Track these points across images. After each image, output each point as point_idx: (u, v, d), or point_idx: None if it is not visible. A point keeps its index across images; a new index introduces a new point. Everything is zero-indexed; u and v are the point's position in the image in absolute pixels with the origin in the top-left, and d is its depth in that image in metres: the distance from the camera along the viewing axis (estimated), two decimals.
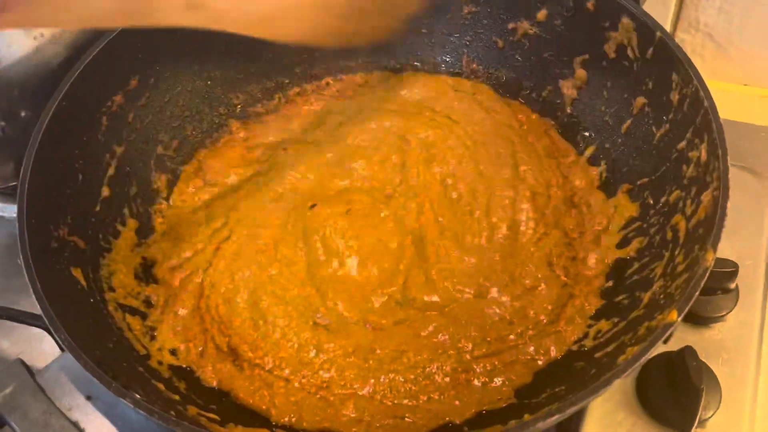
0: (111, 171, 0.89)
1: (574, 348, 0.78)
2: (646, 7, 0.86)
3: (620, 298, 0.79)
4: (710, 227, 0.67)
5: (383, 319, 0.83)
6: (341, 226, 0.90)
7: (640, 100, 0.87)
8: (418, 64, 1.07)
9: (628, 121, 0.89)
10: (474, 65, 1.05)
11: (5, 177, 0.99)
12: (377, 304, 0.84)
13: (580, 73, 0.94)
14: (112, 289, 0.82)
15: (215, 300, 0.85)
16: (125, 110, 0.92)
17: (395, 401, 0.77)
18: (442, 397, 0.77)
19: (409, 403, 0.77)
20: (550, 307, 0.82)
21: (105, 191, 0.88)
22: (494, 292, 0.84)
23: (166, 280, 0.87)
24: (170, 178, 0.97)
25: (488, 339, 0.81)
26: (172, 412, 0.65)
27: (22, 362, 0.70)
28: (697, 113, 0.76)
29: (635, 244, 0.82)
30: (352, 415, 0.76)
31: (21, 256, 0.70)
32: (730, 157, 0.70)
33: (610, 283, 0.82)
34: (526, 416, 0.68)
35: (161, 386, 0.73)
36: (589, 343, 0.78)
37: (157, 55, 0.94)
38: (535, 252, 0.87)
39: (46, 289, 0.69)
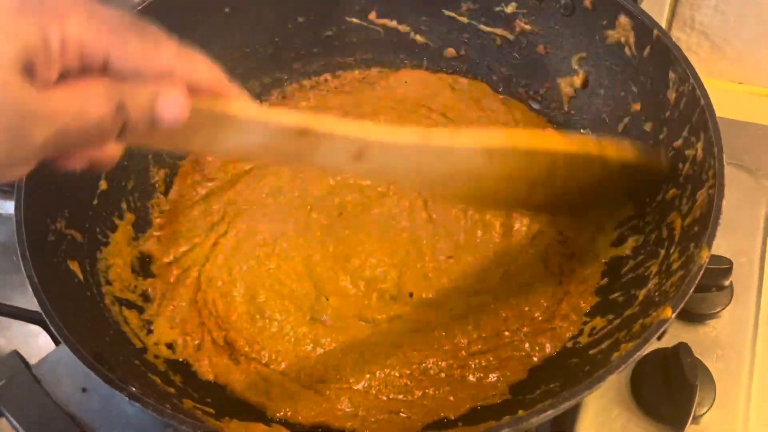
0: None
1: (569, 345, 0.79)
2: (643, 6, 0.87)
3: (615, 295, 0.79)
4: (705, 225, 0.68)
5: (379, 315, 0.83)
6: (336, 223, 0.90)
7: (637, 98, 0.87)
8: (416, 61, 1.07)
9: (625, 120, 0.89)
10: (472, 63, 1.05)
11: None
12: (372, 300, 0.84)
13: (578, 71, 0.95)
14: (109, 283, 0.82)
15: (212, 294, 0.85)
16: None
17: (390, 396, 0.78)
18: (436, 392, 0.77)
19: (404, 398, 0.77)
20: (545, 305, 0.83)
21: (103, 185, 0.87)
22: (489, 288, 0.85)
23: (163, 274, 0.87)
24: (168, 173, 0.97)
25: (483, 335, 0.81)
26: (168, 405, 0.65)
27: (18, 354, 0.71)
28: (693, 111, 0.76)
29: (631, 242, 0.82)
30: (348, 410, 0.77)
31: (18, 249, 0.70)
32: (725, 155, 0.71)
33: (606, 281, 0.82)
34: (520, 412, 0.68)
35: (157, 379, 0.74)
36: (583, 339, 0.78)
37: None
38: (530, 250, 0.87)
39: (43, 281, 0.69)
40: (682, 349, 0.74)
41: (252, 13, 1.01)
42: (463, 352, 0.80)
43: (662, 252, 0.75)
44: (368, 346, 0.81)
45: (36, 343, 0.93)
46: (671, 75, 0.80)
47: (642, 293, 0.74)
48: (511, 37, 1.00)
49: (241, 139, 0.56)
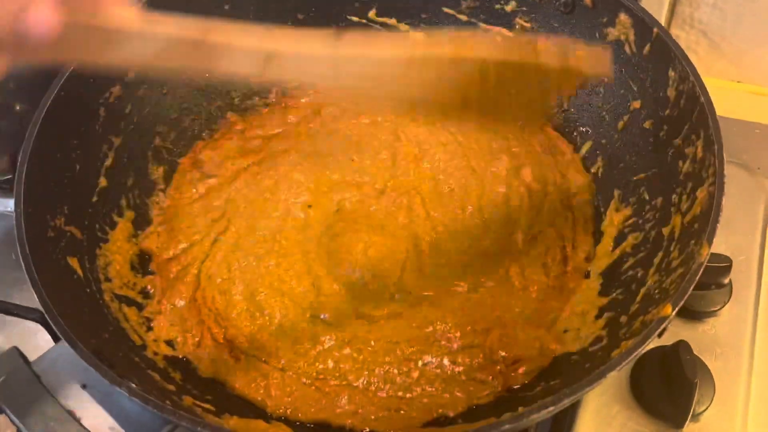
0: (108, 162, 0.89)
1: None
2: (642, 4, 0.87)
3: (615, 293, 0.79)
4: (705, 223, 0.68)
5: (376, 311, 0.83)
6: (334, 220, 0.91)
7: (637, 96, 0.87)
8: None
9: (625, 118, 0.89)
10: None
11: (0, 170, 1.00)
12: (370, 297, 0.84)
13: None
14: (108, 280, 0.82)
15: (211, 291, 0.85)
16: (123, 101, 0.92)
17: (389, 393, 0.78)
18: (434, 389, 0.77)
19: (403, 396, 0.77)
20: (544, 304, 0.83)
21: (102, 182, 0.88)
22: (488, 286, 0.85)
23: (163, 271, 0.87)
24: (167, 170, 0.97)
25: (480, 333, 0.81)
26: (168, 402, 0.65)
27: (18, 350, 0.70)
28: (693, 109, 0.77)
29: (630, 240, 0.82)
30: (347, 407, 0.77)
31: (18, 245, 0.70)
32: (724, 154, 0.71)
33: (606, 279, 0.82)
34: (521, 409, 0.68)
35: (157, 376, 0.74)
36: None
37: None
38: (529, 250, 0.87)
39: (42, 278, 0.69)
40: (681, 346, 0.75)
41: (251, 10, 1.01)
42: (461, 349, 0.80)
43: (662, 249, 0.75)
44: (367, 343, 0.81)
45: (34, 340, 0.93)
46: (671, 73, 0.80)
47: (642, 291, 0.74)
48: (510, 35, 1.00)
49: (132, 50, 0.54)
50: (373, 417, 0.76)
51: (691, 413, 0.74)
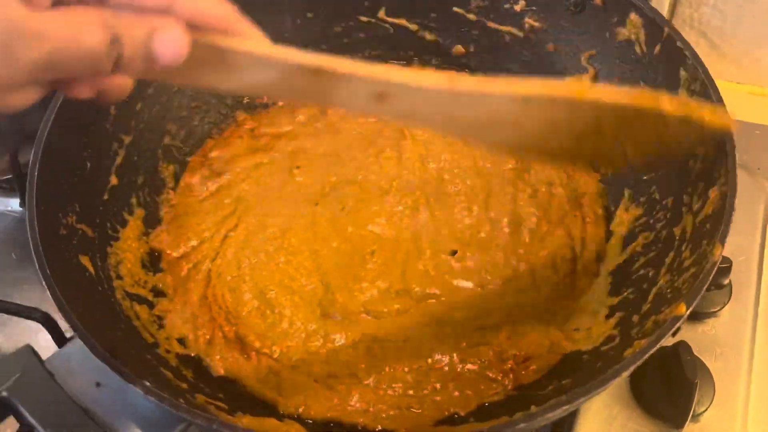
0: (119, 160, 0.89)
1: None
2: None
3: (626, 292, 0.79)
4: (718, 222, 0.68)
5: (385, 309, 0.83)
6: (341, 219, 0.91)
7: None
8: (425, 58, 1.07)
9: None
10: (480, 60, 1.05)
11: (1, 170, 1.00)
12: (378, 295, 0.85)
13: (588, 68, 0.95)
14: (119, 278, 0.82)
15: (222, 289, 0.85)
16: (133, 99, 0.92)
17: (400, 392, 0.78)
18: (444, 387, 0.78)
19: (414, 394, 0.77)
20: (554, 302, 0.83)
21: (113, 180, 0.88)
22: (496, 285, 0.85)
23: (174, 269, 0.87)
24: (177, 168, 0.97)
25: (491, 329, 0.81)
26: (181, 400, 0.65)
27: (31, 348, 0.70)
28: None
29: (641, 239, 0.82)
30: (358, 405, 0.77)
31: (31, 243, 0.70)
32: None
33: (617, 278, 0.82)
34: (533, 407, 0.68)
35: (169, 374, 0.74)
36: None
37: None
38: (538, 251, 0.87)
39: (56, 276, 0.69)
40: (681, 347, 0.75)
41: (261, 9, 1.00)
42: (469, 348, 0.80)
43: (673, 249, 0.75)
44: (377, 341, 0.81)
45: (35, 340, 0.92)
46: (682, 73, 0.80)
47: (653, 290, 0.74)
48: (520, 34, 1.00)
49: (253, 76, 0.54)
50: (384, 415, 0.76)
51: (691, 414, 0.74)
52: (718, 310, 0.85)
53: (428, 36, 1.06)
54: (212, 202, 0.94)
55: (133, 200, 0.90)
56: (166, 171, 0.95)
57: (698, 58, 0.79)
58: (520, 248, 0.87)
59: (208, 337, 0.82)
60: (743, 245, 0.89)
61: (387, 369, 0.79)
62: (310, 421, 0.76)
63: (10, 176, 1.05)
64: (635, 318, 0.73)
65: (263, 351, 0.80)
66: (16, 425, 0.69)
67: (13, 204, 1.09)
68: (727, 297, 0.85)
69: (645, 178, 0.86)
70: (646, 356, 0.61)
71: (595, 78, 0.94)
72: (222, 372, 0.80)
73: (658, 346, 0.61)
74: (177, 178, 0.96)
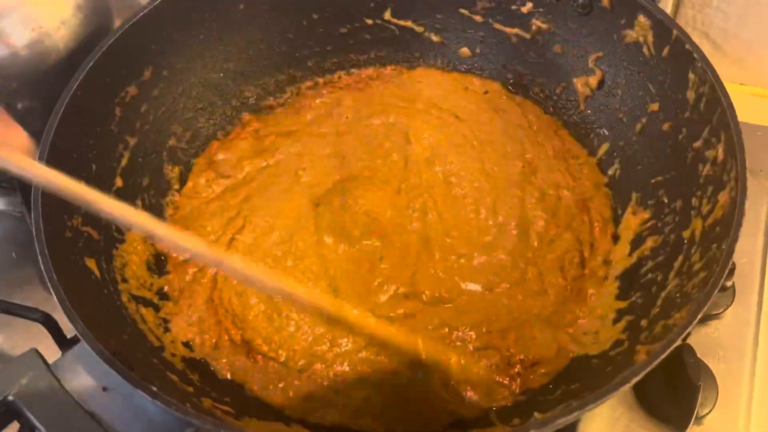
0: (124, 162, 0.89)
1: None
2: None
3: (635, 296, 0.79)
4: (728, 227, 0.67)
5: (392, 313, 0.83)
6: (347, 222, 0.90)
7: (656, 98, 0.86)
8: (431, 59, 1.07)
9: (643, 120, 0.88)
10: (486, 62, 1.04)
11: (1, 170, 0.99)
12: (384, 298, 0.84)
13: (595, 70, 0.94)
14: (125, 280, 0.82)
15: (228, 293, 0.85)
16: (138, 101, 0.91)
17: (407, 396, 0.77)
18: (452, 392, 0.77)
19: (423, 398, 0.77)
20: (561, 305, 0.82)
21: (118, 182, 0.87)
22: (504, 288, 0.84)
23: (179, 272, 0.87)
24: (182, 170, 0.96)
25: (498, 333, 0.81)
26: (188, 404, 0.64)
27: (37, 352, 0.70)
28: (713, 112, 0.76)
29: (649, 243, 0.82)
30: (366, 410, 0.76)
31: (36, 245, 0.70)
32: None
33: (625, 282, 0.82)
34: (537, 414, 0.68)
35: (175, 378, 0.73)
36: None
37: (170, 47, 0.94)
38: (546, 254, 0.87)
39: (61, 278, 0.68)
40: (684, 349, 0.74)
41: (267, 10, 1.01)
42: (476, 351, 0.80)
43: (682, 253, 0.75)
44: (383, 345, 0.80)
45: (35, 340, 0.92)
46: (691, 75, 0.80)
47: (662, 294, 0.74)
48: (527, 36, 1.00)
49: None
50: (391, 420, 0.76)
51: (694, 416, 0.74)
52: (721, 312, 0.85)
53: (434, 37, 1.05)
54: (218, 204, 0.93)
55: (138, 202, 0.90)
56: (171, 173, 0.95)
57: (707, 60, 0.79)
58: (528, 252, 0.87)
59: (214, 340, 0.82)
60: (746, 247, 0.89)
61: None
62: (317, 426, 0.75)
63: (9, 176, 1.05)
64: (644, 322, 0.73)
65: (270, 355, 0.80)
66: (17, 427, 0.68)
67: (14, 204, 1.09)
68: (731, 299, 0.85)
69: (653, 181, 0.85)
70: (657, 361, 0.61)
71: (602, 80, 0.94)
72: (228, 376, 0.79)
73: (670, 350, 0.61)
74: (182, 180, 0.96)
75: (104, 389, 0.69)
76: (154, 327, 0.80)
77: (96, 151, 0.85)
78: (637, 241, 0.84)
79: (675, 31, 0.82)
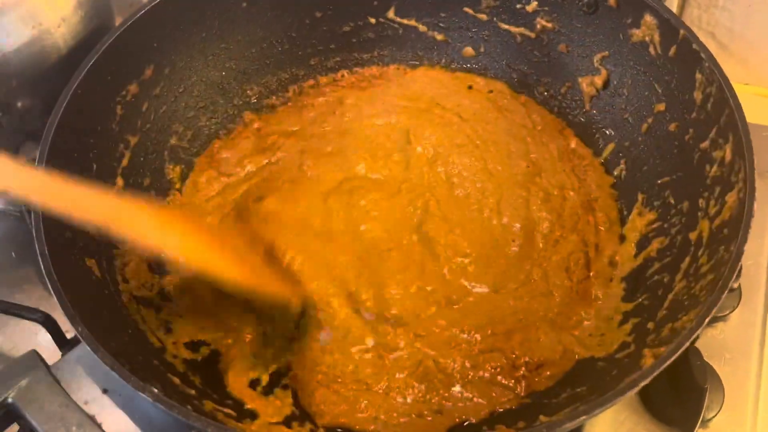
0: (125, 161, 0.88)
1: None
2: None
3: (641, 298, 0.78)
4: (736, 228, 0.67)
5: (396, 312, 0.82)
6: (350, 221, 0.89)
7: (662, 98, 0.86)
8: (434, 58, 1.06)
9: (649, 120, 0.88)
10: (491, 61, 1.04)
11: None
12: (390, 299, 0.83)
13: (600, 70, 0.93)
14: (126, 281, 0.81)
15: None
16: (140, 100, 0.91)
17: (409, 399, 0.76)
18: (455, 394, 0.76)
19: (424, 399, 0.76)
20: (567, 307, 0.82)
21: (119, 181, 0.87)
22: (509, 289, 0.84)
23: (181, 271, 0.86)
24: (184, 169, 0.96)
25: (503, 335, 0.80)
26: (189, 407, 0.64)
27: (37, 354, 0.69)
28: (721, 113, 0.76)
29: (655, 244, 0.81)
30: (368, 412, 0.76)
31: (36, 245, 0.69)
32: None
33: (631, 283, 0.81)
34: (542, 418, 0.67)
35: (177, 380, 0.72)
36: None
37: (172, 45, 0.93)
38: (552, 256, 0.86)
39: (61, 279, 0.68)
40: (691, 352, 0.74)
41: (269, 8, 1.00)
42: (481, 354, 0.79)
43: (689, 255, 0.74)
44: (387, 348, 0.79)
45: (35, 340, 0.91)
46: (698, 75, 0.80)
47: (669, 296, 0.73)
48: (531, 35, 0.99)
49: None
50: (395, 423, 0.75)
51: (700, 419, 0.73)
52: (728, 315, 0.84)
53: (437, 36, 1.04)
54: (218, 201, 0.93)
55: None
56: (172, 172, 0.94)
57: (715, 60, 0.78)
58: (533, 253, 0.86)
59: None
60: (752, 249, 0.88)
61: (397, 375, 0.78)
62: (320, 428, 0.75)
63: None
64: (650, 325, 0.72)
65: None
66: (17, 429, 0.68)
67: (14, 204, 1.08)
68: (737, 301, 0.85)
69: (659, 182, 0.84)
70: (665, 365, 0.60)
71: (608, 80, 0.93)
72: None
73: (678, 353, 0.60)
74: (184, 180, 0.95)
75: (104, 391, 0.68)
76: (155, 328, 0.79)
77: (97, 150, 0.84)
78: (643, 243, 0.83)
79: (682, 31, 0.81)
